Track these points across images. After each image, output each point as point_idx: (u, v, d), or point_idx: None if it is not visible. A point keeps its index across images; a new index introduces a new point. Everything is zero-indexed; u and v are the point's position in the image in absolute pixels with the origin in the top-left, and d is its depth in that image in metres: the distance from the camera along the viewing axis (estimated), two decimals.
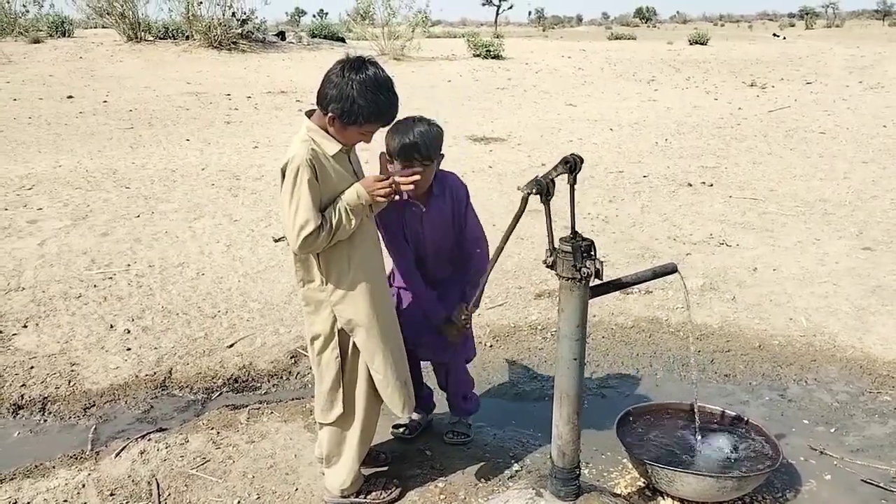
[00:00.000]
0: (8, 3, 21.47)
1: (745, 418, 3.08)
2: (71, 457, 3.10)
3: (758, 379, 3.81)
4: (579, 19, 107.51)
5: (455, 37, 28.76)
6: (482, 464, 3.03)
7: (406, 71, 17.21)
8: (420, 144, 2.68)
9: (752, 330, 4.33)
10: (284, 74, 16.48)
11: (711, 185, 7.66)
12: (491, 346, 4.19)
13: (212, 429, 3.30)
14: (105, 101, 12.82)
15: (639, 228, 6.20)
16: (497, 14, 66.15)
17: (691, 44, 25.23)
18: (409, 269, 2.92)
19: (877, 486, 2.91)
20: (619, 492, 2.86)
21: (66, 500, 2.81)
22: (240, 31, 19.32)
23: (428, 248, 2.94)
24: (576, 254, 2.34)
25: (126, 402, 3.59)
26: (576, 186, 2.39)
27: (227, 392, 3.71)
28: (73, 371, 3.80)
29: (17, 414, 3.48)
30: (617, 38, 30.35)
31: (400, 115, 2.62)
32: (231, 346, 4.09)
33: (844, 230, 6.12)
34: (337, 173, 2.49)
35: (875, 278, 5.04)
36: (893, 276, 5.05)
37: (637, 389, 3.73)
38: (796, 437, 3.26)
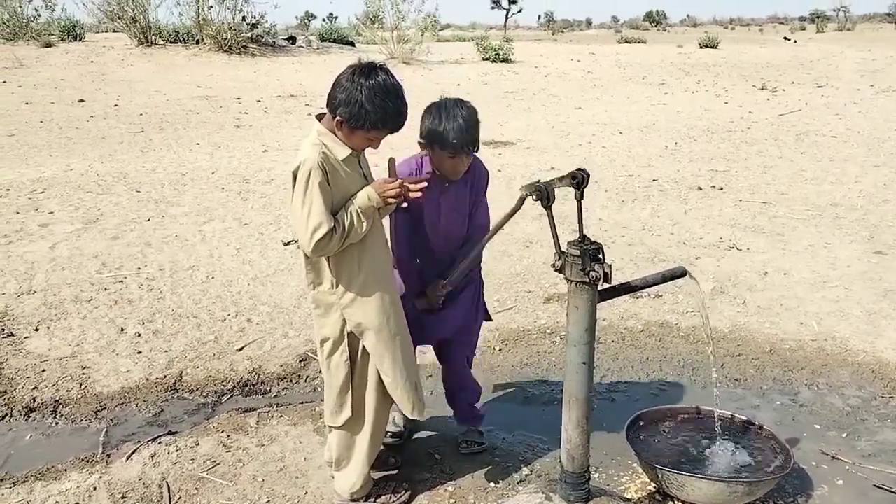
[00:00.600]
0: (20, 7, 21.65)
1: (757, 423, 3.07)
2: (82, 459, 3.12)
3: (769, 383, 3.80)
4: (589, 23, 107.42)
5: (464, 40, 28.79)
6: (492, 468, 3.02)
7: (415, 75, 17.23)
8: (470, 138, 2.71)
9: (763, 334, 4.31)
10: (294, 78, 16.54)
11: (721, 189, 7.63)
12: (500, 349, 4.18)
13: (222, 432, 3.31)
14: (116, 105, 12.91)
15: (648, 232, 6.18)
16: (506, 17, 66.19)
17: (701, 47, 25.17)
18: (408, 258, 2.91)
19: (889, 490, 2.89)
20: (629, 496, 2.85)
21: (77, 503, 2.83)
22: (250, 35, 19.41)
23: (440, 233, 2.90)
24: (584, 257, 2.34)
25: (137, 405, 3.60)
26: (583, 196, 2.38)
27: (237, 395, 3.72)
28: (84, 374, 3.82)
29: (29, 417, 3.50)
30: (627, 42, 30.29)
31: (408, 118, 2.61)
32: (241, 349, 4.10)
33: (856, 234, 6.09)
34: (348, 176, 2.50)
35: (887, 282, 5.00)
36: None
37: (647, 394, 3.72)
38: (808, 441, 3.24)
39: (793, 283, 5.03)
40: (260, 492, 2.89)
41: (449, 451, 3.14)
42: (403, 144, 3.14)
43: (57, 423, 3.47)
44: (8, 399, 3.60)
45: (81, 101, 13.20)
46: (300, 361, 3.99)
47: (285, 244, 5.75)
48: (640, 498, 2.85)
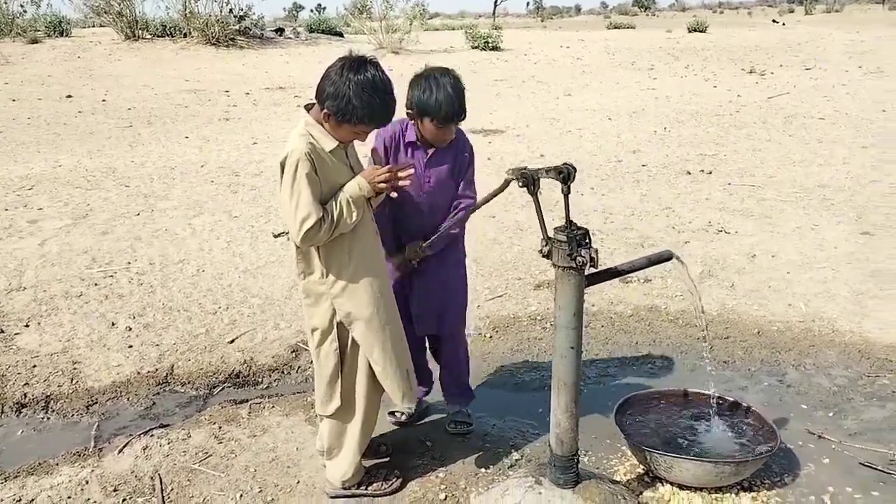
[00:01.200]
0: (5, 3, 21.47)
1: (744, 404, 3.10)
2: (74, 454, 3.13)
3: (756, 365, 3.83)
4: (578, 9, 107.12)
5: (453, 29, 28.71)
6: (482, 453, 3.05)
7: (404, 64, 17.16)
8: (457, 107, 2.75)
9: (751, 316, 4.34)
10: (282, 70, 16.48)
11: (710, 173, 7.66)
12: (491, 336, 4.20)
13: (213, 424, 3.33)
14: (104, 100, 12.84)
15: (638, 217, 6.20)
16: (495, 5, 65.93)
17: (690, 32, 25.18)
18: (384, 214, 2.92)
19: (875, 468, 2.92)
20: (618, 479, 2.88)
21: (69, 497, 2.84)
22: (237, 27, 19.34)
23: (425, 203, 2.91)
24: (571, 243, 2.35)
25: (128, 398, 3.61)
26: (570, 190, 2.39)
27: (229, 387, 3.73)
28: (75, 369, 3.82)
29: (21, 412, 3.51)
30: (616, 28, 30.30)
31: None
32: (232, 341, 4.11)
33: (843, 215, 6.12)
34: (335, 167, 2.51)
35: (874, 262, 5.04)
36: (892, 261, 5.06)
37: (636, 377, 3.74)
38: (795, 421, 3.28)
39: (781, 265, 5.06)
40: (252, 482, 2.90)
41: (440, 438, 3.17)
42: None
43: (48, 418, 3.47)
44: None
45: (69, 96, 13.13)
46: (291, 352, 4.00)
47: (275, 236, 5.75)
48: (629, 480, 2.88)
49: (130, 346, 4.05)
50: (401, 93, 2.53)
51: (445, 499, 2.78)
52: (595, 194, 6.92)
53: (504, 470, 2.94)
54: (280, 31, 22.04)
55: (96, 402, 3.57)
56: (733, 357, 3.91)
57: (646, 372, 3.80)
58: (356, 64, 2.42)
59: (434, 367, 3.37)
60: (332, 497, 2.80)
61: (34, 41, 18.70)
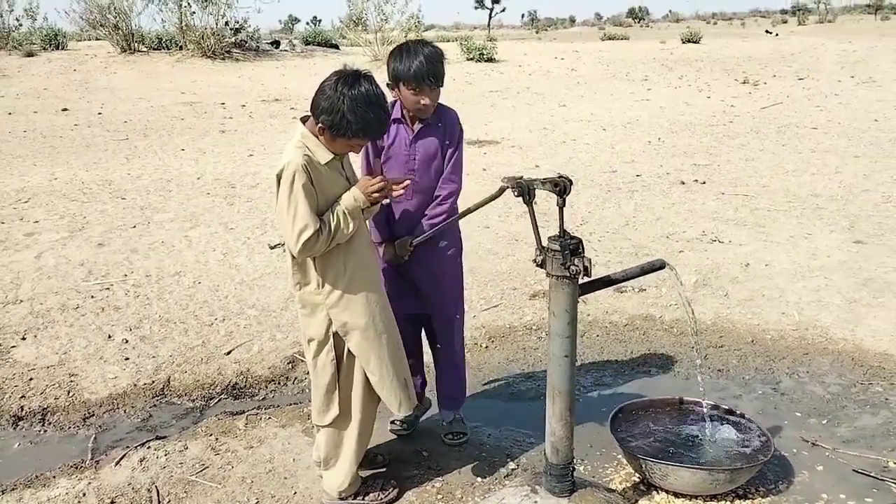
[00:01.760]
0: (1, 17, 21.54)
1: (738, 412, 3.12)
2: (71, 466, 3.13)
3: (751, 373, 3.85)
4: (572, 20, 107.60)
5: (448, 41, 28.82)
6: (479, 463, 3.06)
7: None
8: (432, 70, 2.75)
9: (745, 325, 4.37)
10: (278, 82, 16.54)
11: (704, 183, 7.70)
12: (486, 346, 4.22)
13: (210, 435, 3.34)
14: (100, 113, 12.88)
15: (632, 227, 6.24)
16: (490, 17, 66.27)
17: (684, 42, 25.30)
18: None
19: (868, 475, 2.94)
20: (613, 487, 2.89)
21: None
22: (233, 39, 19.40)
23: (412, 185, 2.86)
24: (564, 252, 2.38)
25: (125, 410, 3.61)
26: (565, 203, 2.42)
27: (226, 399, 3.74)
28: (71, 381, 3.83)
29: (18, 425, 3.51)
30: (610, 39, 30.45)
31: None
32: (228, 353, 4.12)
33: (836, 224, 6.17)
34: (331, 179, 2.54)
35: (866, 271, 5.08)
36: (884, 269, 5.10)
37: (631, 386, 3.76)
38: (789, 429, 3.30)
39: (774, 274, 5.10)
40: (249, 493, 2.91)
41: (436, 448, 3.18)
42: None
43: (45, 431, 3.47)
44: None
45: (65, 109, 13.16)
46: (288, 363, 4.01)
47: (272, 247, 5.77)
48: (624, 488, 2.89)
49: (127, 359, 4.06)
50: None
51: None
52: (590, 204, 6.96)
53: (500, 479, 2.95)
54: (276, 43, 22.12)
55: (93, 415, 3.57)
56: (728, 366, 3.94)
57: (641, 381, 3.82)
58: (350, 78, 2.45)
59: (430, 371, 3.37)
60: None
61: (30, 54, 18.75)
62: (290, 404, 3.64)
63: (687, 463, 2.85)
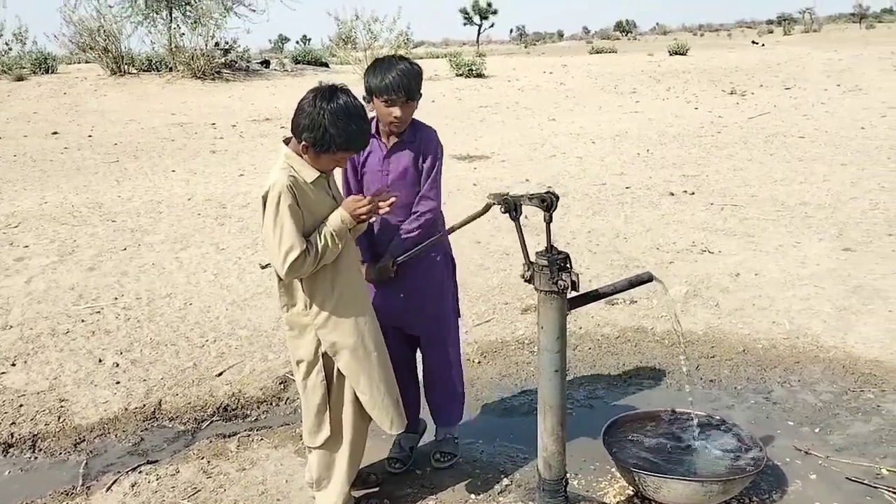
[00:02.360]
0: None
1: (731, 422, 3.12)
2: (62, 493, 3.11)
3: (742, 383, 3.86)
4: (560, 35, 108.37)
5: (437, 57, 29.00)
6: (472, 480, 3.05)
7: None
8: (403, 83, 2.75)
9: (736, 335, 4.38)
10: (269, 102, 16.58)
11: (693, 194, 7.74)
12: (479, 362, 4.22)
13: (202, 458, 3.32)
14: (90, 136, 12.87)
15: (622, 240, 6.26)
16: (479, 33, 66.60)
17: (671, 54, 25.51)
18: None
19: (862, 483, 2.94)
20: (607, 501, 2.89)
21: None
22: (223, 60, 19.46)
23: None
24: (552, 267, 2.39)
25: (116, 435, 3.59)
26: (552, 218, 2.43)
27: (217, 421, 3.72)
28: (62, 407, 3.81)
29: (8, 452, 3.48)
30: (598, 52, 30.66)
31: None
32: (220, 374, 4.10)
33: (825, 232, 6.20)
34: (317, 198, 2.54)
35: (855, 278, 5.10)
36: (873, 276, 5.12)
37: (624, 399, 3.76)
38: (781, 438, 3.30)
39: (764, 283, 5.12)
40: None
41: (430, 466, 3.16)
42: None
43: (36, 458, 3.44)
44: None
45: (55, 133, 13.15)
46: (280, 384, 4.00)
47: (262, 267, 5.76)
48: (618, 502, 2.89)
49: (118, 382, 4.04)
50: None
51: None
52: (580, 217, 6.98)
53: (494, 496, 2.94)
54: (266, 63, 22.21)
55: (84, 440, 3.55)
56: (719, 376, 3.94)
57: (633, 393, 3.82)
58: (328, 93, 2.46)
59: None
60: None
61: (20, 78, 18.75)
62: (282, 425, 3.62)
63: (680, 475, 2.85)
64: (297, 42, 65.51)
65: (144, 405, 3.81)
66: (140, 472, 3.23)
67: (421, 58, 30.16)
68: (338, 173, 2.74)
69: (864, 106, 13.60)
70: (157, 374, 4.11)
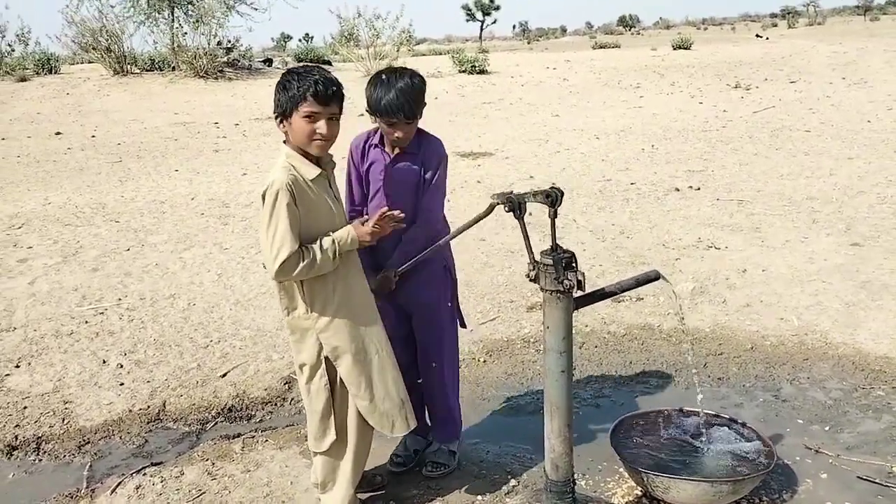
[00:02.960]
0: None
1: (740, 421, 3.09)
2: (66, 495, 3.09)
3: (751, 381, 3.82)
4: (563, 30, 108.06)
5: (440, 54, 28.91)
6: (479, 481, 3.02)
7: None
8: (403, 105, 2.69)
9: (744, 332, 4.34)
10: (271, 100, 16.52)
11: (699, 189, 7.70)
12: (484, 361, 4.19)
13: (207, 460, 3.29)
14: (93, 136, 12.87)
15: (628, 236, 6.22)
16: (481, 29, 66.58)
17: (675, 49, 25.39)
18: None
19: (873, 482, 2.90)
20: (615, 502, 2.86)
21: None
22: (226, 59, 19.45)
23: (385, 206, 2.80)
24: (557, 266, 2.35)
25: (120, 437, 3.57)
26: (556, 214, 2.40)
27: (222, 422, 3.70)
28: (66, 409, 3.79)
29: (12, 455, 3.46)
30: (601, 47, 30.55)
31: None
32: (224, 375, 4.08)
33: (832, 227, 6.15)
34: (317, 198, 2.51)
35: (864, 273, 5.06)
36: (882, 271, 5.08)
37: (632, 397, 3.73)
38: (791, 436, 3.27)
39: (771, 279, 5.07)
40: None
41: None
42: None
43: (40, 460, 3.43)
44: None
45: (58, 133, 13.15)
46: (284, 384, 3.97)
47: (266, 267, 5.73)
48: (627, 502, 2.86)
49: (122, 384, 4.02)
50: None
51: None
52: (585, 214, 6.94)
53: (501, 497, 2.91)
54: (269, 61, 22.20)
55: (88, 442, 3.53)
56: (728, 374, 3.90)
57: (641, 392, 3.79)
58: (285, 72, 2.52)
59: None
60: None
61: (23, 79, 18.76)
62: (287, 426, 3.60)
63: (689, 475, 2.82)
64: (300, 40, 65.54)
65: (149, 406, 3.79)
66: (144, 474, 3.21)
67: (424, 55, 30.11)
68: (340, 181, 2.71)
69: (870, 99, 13.52)
70: (162, 376, 4.10)
